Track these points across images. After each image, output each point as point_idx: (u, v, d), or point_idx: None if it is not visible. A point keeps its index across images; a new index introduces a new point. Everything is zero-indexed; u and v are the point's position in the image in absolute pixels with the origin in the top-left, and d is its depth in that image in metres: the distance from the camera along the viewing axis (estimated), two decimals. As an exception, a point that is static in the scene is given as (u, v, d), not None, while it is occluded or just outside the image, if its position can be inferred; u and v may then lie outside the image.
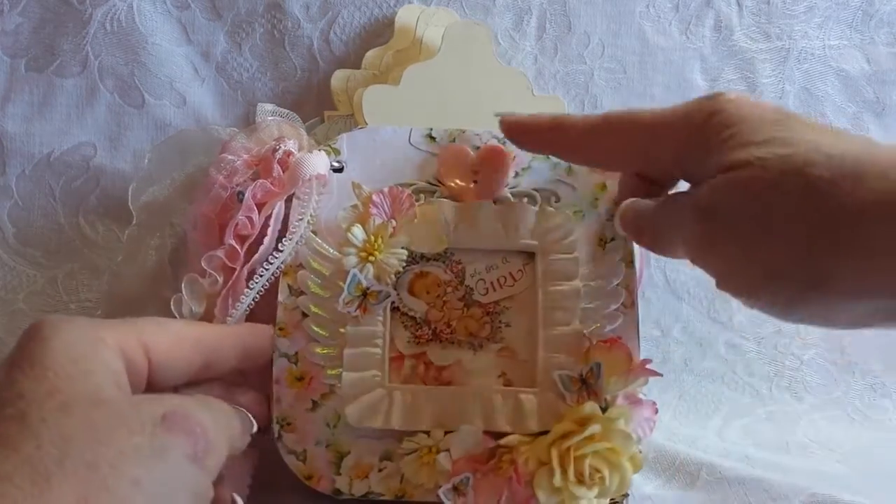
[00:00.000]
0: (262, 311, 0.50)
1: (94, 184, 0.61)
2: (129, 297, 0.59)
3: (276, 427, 0.50)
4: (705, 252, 0.41)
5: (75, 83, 0.61)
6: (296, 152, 0.52)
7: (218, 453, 0.38)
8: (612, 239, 0.54)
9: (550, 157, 0.54)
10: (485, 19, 0.64)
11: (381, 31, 0.63)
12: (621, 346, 0.50)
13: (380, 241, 0.50)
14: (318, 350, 0.51)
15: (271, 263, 0.50)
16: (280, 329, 0.51)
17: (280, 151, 0.52)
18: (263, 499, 0.49)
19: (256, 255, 0.50)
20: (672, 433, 0.65)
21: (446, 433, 0.50)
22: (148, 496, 0.33)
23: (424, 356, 0.52)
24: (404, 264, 0.51)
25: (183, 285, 0.49)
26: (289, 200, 0.52)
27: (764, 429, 0.68)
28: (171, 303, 0.49)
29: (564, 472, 0.47)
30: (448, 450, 0.49)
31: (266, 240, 0.51)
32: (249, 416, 0.44)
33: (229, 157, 0.53)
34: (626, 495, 0.51)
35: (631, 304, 0.53)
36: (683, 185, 0.45)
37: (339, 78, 0.61)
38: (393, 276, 0.51)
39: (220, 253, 0.50)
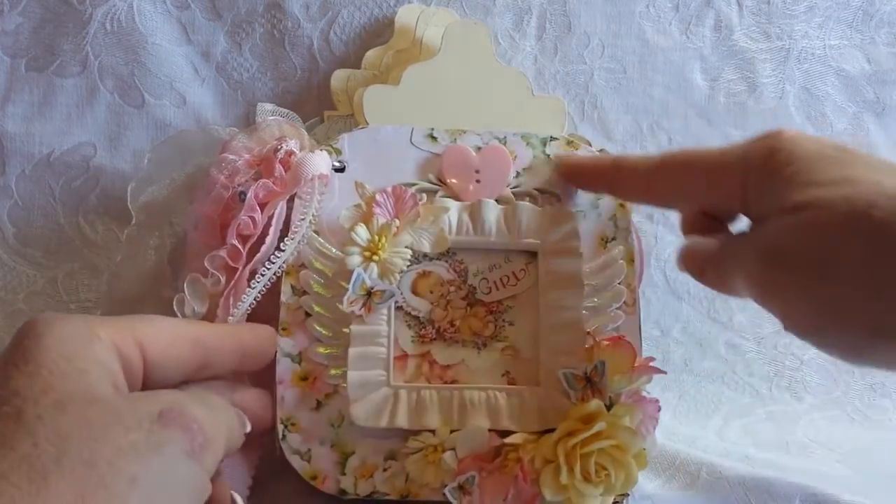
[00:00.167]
0: (264, 311, 0.50)
1: (93, 184, 0.61)
2: (128, 297, 0.59)
3: (280, 427, 0.50)
4: (770, 294, 0.40)
5: (75, 83, 0.61)
6: (297, 152, 0.52)
7: (215, 449, 0.38)
8: (614, 238, 0.54)
9: (551, 157, 0.54)
10: (485, 19, 0.64)
11: (381, 31, 0.63)
12: (625, 345, 0.51)
13: (384, 240, 0.50)
14: (321, 350, 0.51)
15: (273, 263, 0.50)
16: (283, 329, 0.51)
17: (282, 151, 0.51)
18: (264, 499, 0.49)
19: (258, 255, 0.50)
20: (672, 433, 0.65)
21: (452, 432, 0.50)
22: (145, 493, 0.33)
23: (429, 355, 0.52)
24: (408, 263, 0.51)
25: (185, 285, 0.49)
26: (290, 200, 0.51)
27: (764, 429, 0.67)
28: (174, 302, 0.49)
29: (571, 469, 0.47)
30: (454, 448, 0.49)
31: (268, 239, 0.50)
32: (242, 414, 0.44)
33: (230, 156, 0.53)
34: (625, 495, 0.51)
35: (633, 303, 0.53)
36: (744, 219, 0.45)
37: (339, 78, 0.61)
38: (397, 276, 0.51)
39: (222, 253, 0.49)
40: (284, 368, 0.51)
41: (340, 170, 0.53)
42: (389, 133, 0.54)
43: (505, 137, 0.55)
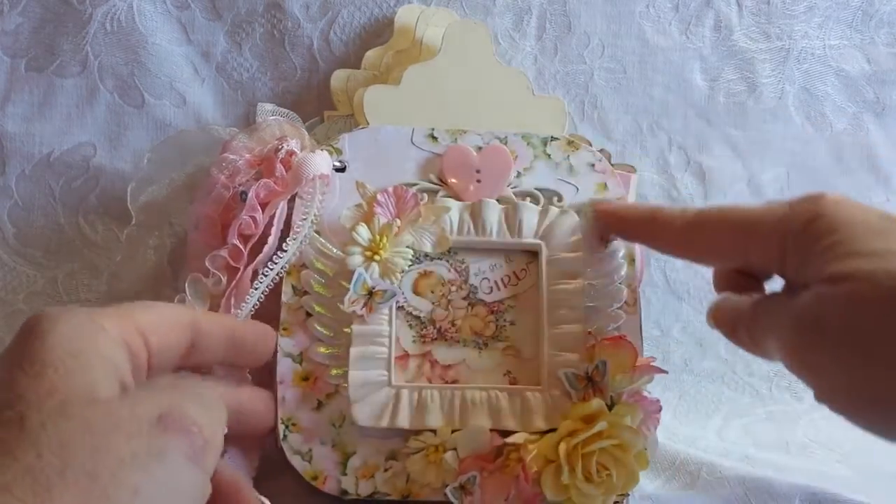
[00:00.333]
0: (266, 311, 0.50)
1: (93, 184, 0.61)
2: (128, 298, 0.59)
3: (281, 427, 0.50)
4: (804, 363, 0.39)
5: (75, 83, 0.61)
6: (298, 152, 0.52)
7: (215, 449, 0.37)
8: (614, 238, 0.54)
9: (551, 156, 0.54)
10: (485, 19, 0.64)
11: (381, 31, 0.63)
12: (626, 344, 0.51)
13: (385, 240, 0.50)
14: (322, 350, 0.51)
15: (276, 263, 0.50)
16: (284, 329, 0.51)
17: (283, 151, 0.51)
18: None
19: (261, 256, 0.50)
20: (672, 433, 0.65)
21: (453, 432, 0.50)
22: (147, 502, 0.33)
23: (430, 355, 0.52)
24: (409, 263, 0.51)
25: (186, 285, 0.49)
26: (291, 200, 0.51)
27: (764, 429, 0.67)
28: (175, 302, 0.49)
29: (572, 469, 0.47)
30: (455, 448, 0.49)
31: (270, 239, 0.50)
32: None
33: (231, 156, 0.53)
34: (625, 495, 0.51)
35: (633, 303, 0.53)
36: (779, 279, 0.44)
37: (339, 78, 0.60)
38: (399, 276, 0.51)
39: (223, 253, 0.49)
40: (285, 368, 0.51)
41: (341, 170, 0.53)
42: (390, 133, 0.54)
43: (506, 137, 0.55)
